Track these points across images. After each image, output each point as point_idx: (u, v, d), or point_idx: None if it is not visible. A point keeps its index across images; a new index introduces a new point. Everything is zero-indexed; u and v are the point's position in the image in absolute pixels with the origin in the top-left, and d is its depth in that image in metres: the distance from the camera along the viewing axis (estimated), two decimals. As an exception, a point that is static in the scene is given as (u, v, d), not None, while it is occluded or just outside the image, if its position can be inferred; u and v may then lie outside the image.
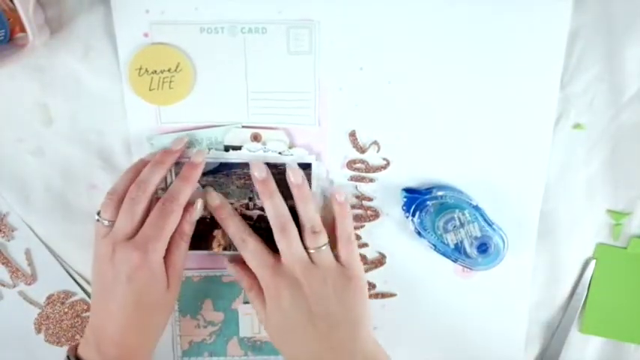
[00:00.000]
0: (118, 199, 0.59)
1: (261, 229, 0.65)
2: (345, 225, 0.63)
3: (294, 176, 0.62)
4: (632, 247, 0.67)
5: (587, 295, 0.69)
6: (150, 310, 0.60)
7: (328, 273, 0.60)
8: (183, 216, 0.61)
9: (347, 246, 0.62)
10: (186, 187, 0.61)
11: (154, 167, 0.60)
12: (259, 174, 0.62)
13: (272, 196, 0.62)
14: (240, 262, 0.65)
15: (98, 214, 0.60)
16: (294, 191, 0.62)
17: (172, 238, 0.60)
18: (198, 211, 0.62)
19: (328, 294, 0.59)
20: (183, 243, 0.62)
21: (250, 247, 0.61)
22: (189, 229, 0.62)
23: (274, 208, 0.61)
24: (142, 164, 0.62)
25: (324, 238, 0.61)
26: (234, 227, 0.62)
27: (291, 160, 0.64)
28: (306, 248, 0.60)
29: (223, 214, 0.63)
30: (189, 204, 0.61)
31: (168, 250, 0.59)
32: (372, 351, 0.60)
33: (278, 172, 0.64)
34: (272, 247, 0.62)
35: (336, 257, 0.62)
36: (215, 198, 0.63)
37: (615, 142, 0.64)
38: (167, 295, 0.60)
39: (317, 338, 0.59)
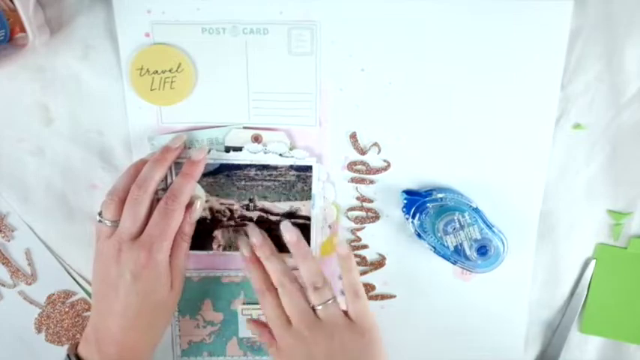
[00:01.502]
0: (119, 199, 0.59)
1: (262, 230, 0.65)
2: (351, 278, 0.62)
3: (290, 235, 0.63)
4: (632, 247, 0.67)
5: (587, 295, 0.69)
6: (153, 310, 0.60)
7: (336, 329, 0.59)
8: (183, 217, 0.60)
9: (354, 300, 0.61)
10: (188, 185, 0.60)
11: (153, 165, 0.60)
12: (256, 240, 0.63)
13: (268, 258, 0.62)
14: (258, 321, 0.68)
15: (99, 214, 0.60)
16: (292, 249, 0.63)
17: (173, 239, 0.60)
18: (197, 211, 0.63)
19: (336, 351, 0.58)
20: (185, 243, 0.62)
21: (268, 301, 0.61)
22: (189, 229, 0.62)
23: (272, 269, 0.62)
24: (142, 163, 0.61)
25: (328, 293, 0.60)
26: (257, 278, 0.63)
27: (291, 162, 0.64)
28: (312, 305, 0.60)
29: (251, 264, 0.63)
30: (189, 204, 0.61)
31: (170, 251, 0.60)
32: None
33: (279, 173, 0.64)
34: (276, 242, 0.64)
35: (345, 312, 0.61)
36: (246, 246, 0.64)
37: (615, 142, 0.64)
38: (170, 295, 0.60)
39: None
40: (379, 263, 0.68)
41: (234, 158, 0.64)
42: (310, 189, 0.65)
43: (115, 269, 0.58)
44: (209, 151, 0.63)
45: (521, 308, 0.69)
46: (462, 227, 0.61)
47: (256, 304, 0.70)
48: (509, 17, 0.60)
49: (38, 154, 0.65)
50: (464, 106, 0.63)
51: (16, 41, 0.57)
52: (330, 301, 0.60)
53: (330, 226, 0.67)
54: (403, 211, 0.64)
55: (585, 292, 0.69)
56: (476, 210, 0.62)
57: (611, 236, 0.67)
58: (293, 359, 0.59)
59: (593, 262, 0.68)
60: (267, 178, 0.64)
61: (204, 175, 0.64)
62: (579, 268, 0.69)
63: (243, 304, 0.70)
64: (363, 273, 0.69)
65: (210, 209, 0.66)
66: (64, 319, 0.71)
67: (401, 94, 0.63)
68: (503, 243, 0.62)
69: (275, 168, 0.64)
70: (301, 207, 0.66)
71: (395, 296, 0.69)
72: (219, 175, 0.64)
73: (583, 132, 0.64)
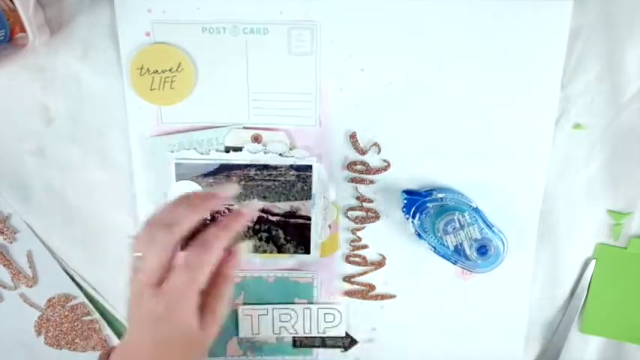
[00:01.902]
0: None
1: (261, 230, 0.65)
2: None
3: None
4: (632, 247, 0.67)
5: (587, 295, 0.69)
6: (182, 348, 0.53)
7: None
8: (227, 259, 0.54)
9: None
10: (225, 236, 0.53)
11: (189, 210, 0.52)
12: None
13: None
14: None
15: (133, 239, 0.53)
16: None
17: (214, 279, 0.53)
18: (244, 253, 0.57)
19: None
20: (226, 287, 0.55)
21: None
22: (230, 272, 0.55)
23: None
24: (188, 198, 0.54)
25: None
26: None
27: (291, 162, 0.64)
28: None
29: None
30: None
31: (208, 291, 0.53)
32: None
33: (279, 173, 0.64)
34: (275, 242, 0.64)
35: None
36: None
37: (615, 142, 0.64)
38: (200, 336, 0.53)
39: None
40: (379, 263, 0.68)
41: (234, 158, 0.64)
42: (310, 189, 0.65)
43: (137, 310, 0.53)
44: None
45: (521, 308, 0.69)
46: (462, 227, 0.61)
47: (256, 304, 0.70)
48: (509, 17, 0.60)
49: (38, 154, 0.65)
50: (464, 106, 0.63)
51: (16, 41, 0.57)
52: None
53: (330, 226, 0.67)
54: (403, 211, 0.64)
55: (585, 292, 0.69)
56: (476, 210, 0.62)
57: (611, 236, 0.67)
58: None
59: (593, 262, 0.68)
60: (267, 178, 0.64)
61: (204, 175, 0.64)
62: (579, 268, 0.69)
63: (243, 304, 0.70)
64: (363, 273, 0.69)
65: (210, 209, 0.66)
66: (63, 323, 0.71)
67: (401, 94, 0.63)
68: (503, 243, 0.62)
69: (275, 168, 0.64)
70: (301, 207, 0.66)
71: (395, 296, 0.69)
72: (219, 175, 0.64)
73: (583, 132, 0.64)
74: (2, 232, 0.67)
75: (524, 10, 0.60)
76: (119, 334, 0.72)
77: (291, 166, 0.64)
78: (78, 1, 0.60)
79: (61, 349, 0.72)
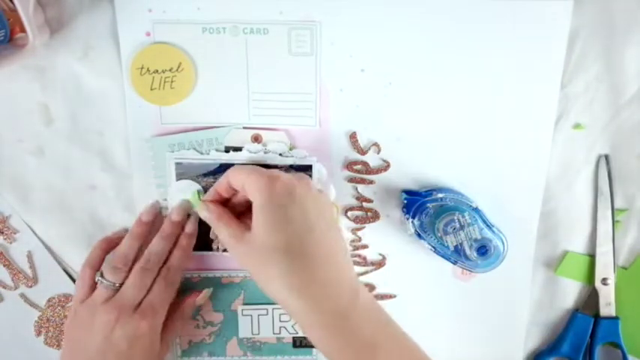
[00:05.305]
0: (127, 264, 0.62)
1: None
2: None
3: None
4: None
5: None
6: None
7: None
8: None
9: None
10: (187, 259, 0.65)
11: (162, 240, 0.63)
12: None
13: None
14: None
15: (101, 275, 0.62)
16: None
17: (174, 314, 0.65)
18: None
19: None
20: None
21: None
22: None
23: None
24: (143, 227, 0.64)
25: None
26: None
27: (291, 162, 0.64)
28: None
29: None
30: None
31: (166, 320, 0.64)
32: None
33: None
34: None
35: None
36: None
37: (615, 142, 0.64)
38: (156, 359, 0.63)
39: None
40: (379, 263, 0.68)
41: (234, 158, 0.64)
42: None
43: (106, 336, 0.59)
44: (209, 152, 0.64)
45: (521, 308, 0.69)
46: (462, 227, 0.61)
47: (256, 304, 0.70)
48: (509, 17, 0.60)
49: (38, 154, 0.65)
50: (464, 106, 0.63)
51: (16, 41, 0.57)
52: None
53: None
54: (403, 211, 0.64)
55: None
56: (476, 210, 0.62)
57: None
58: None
59: None
60: (267, 178, 0.64)
61: (204, 175, 0.64)
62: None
63: (243, 304, 0.70)
64: (363, 273, 0.69)
65: (210, 209, 0.66)
66: (63, 323, 0.71)
67: (401, 94, 0.63)
68: (503, 243, 0.62)
69: (275, 168, 0.64)
70: (301, 207, 0.66)
71: (395, 296, 0.69)
72: (219, 176, 0.64)
73: (583, 132, 0.64)
74: (2, 232, 0.67)
75: (524, 10, 0.60)
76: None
77: (291, 166, 0.64)
78: (78, 1, 0.60)
79: (61, 349, 0.72)
